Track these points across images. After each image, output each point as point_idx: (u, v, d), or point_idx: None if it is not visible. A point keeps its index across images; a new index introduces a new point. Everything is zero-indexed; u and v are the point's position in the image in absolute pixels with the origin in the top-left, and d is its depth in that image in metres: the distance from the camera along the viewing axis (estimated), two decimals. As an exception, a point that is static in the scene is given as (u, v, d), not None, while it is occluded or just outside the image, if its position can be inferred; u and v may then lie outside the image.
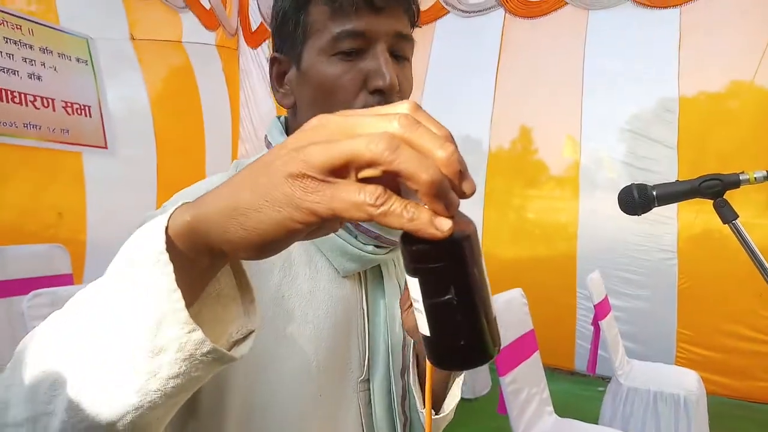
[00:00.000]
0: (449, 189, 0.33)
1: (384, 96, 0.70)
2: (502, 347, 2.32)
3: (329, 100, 0.71)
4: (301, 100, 0.76)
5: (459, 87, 4.45)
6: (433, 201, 0.33)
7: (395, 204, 0.33)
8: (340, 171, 0.33)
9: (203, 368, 0.40)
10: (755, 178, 0.93)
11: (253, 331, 0.45)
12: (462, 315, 0.35)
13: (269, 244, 0.36)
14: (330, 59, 0.70)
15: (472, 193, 0.35)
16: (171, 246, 0.38)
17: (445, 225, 0.33)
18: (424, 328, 0.36)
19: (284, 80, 0.78)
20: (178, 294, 0.37)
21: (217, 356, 0.40)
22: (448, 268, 0.34)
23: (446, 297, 0.34)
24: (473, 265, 0.35)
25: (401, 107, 0.36)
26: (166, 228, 0.38)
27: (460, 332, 0.35)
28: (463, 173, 0.34)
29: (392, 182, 0.34)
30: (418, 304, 0.36)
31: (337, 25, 0.69)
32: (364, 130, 0.34)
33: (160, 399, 0.40)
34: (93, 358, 0.40)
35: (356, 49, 0.70)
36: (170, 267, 0.37)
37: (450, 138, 0.35)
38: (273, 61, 0.78)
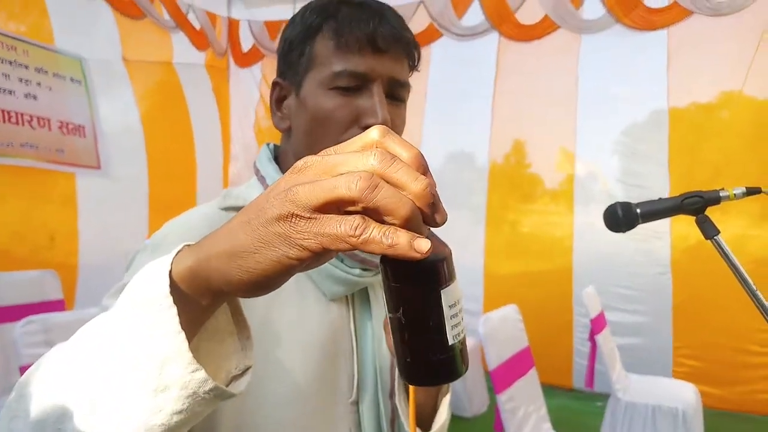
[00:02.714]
0: (420, 219, 0.36)
1: None
2: (498, 364, 2.31)
3: (321, 131, 0.74)
4: (296, 126, 0.79)
5: (457, 108, 4.49)
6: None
7: (374, 232, 0.34)
8: (325, 208, 0.35)
9: (205, 404, 0.42)
10: (735, 194, 0.95)
11: (250, 367, 0.48)
12: (434, 332, 0.37)
13: (268, 282, 0.39)
14: (327, 92, 0.74)
15: (443, 222, 0.37)
16: (174, 288, 0.41)
17: (424, 246, 0.34)
18: (396, 343, 0.38)
19: (283, 105, 0.81)
20: (182, 336, 0.40)
21: (218, 393, 0.42)
22: (419, 288, 0.36)
23: (417, 314, 0.37)
24: (444, 286, 0.37)
25: (372, 133, 0.38)
26: (170, 271, 0.41)
27: (425, 348, 0.37)
28: (435, 204, 0.36)
29: None
30: (394, 321, 0.38)
31: (339, 62, 0.73)
32: (344, 168, 0.36)
33: None
34: (99, 393, 0.41)
35: (353, 87, 0.73)
36: (174, 310, 0.40)
37: (421, 160, 0.37)
38: (275, 85, 0.81)
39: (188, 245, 0.44)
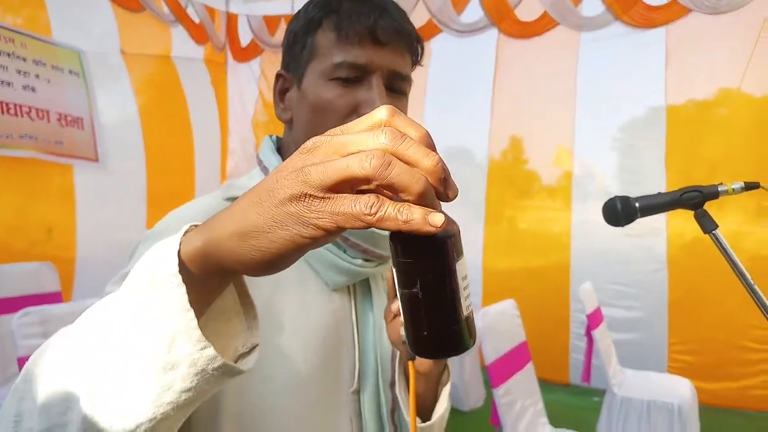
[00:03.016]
0: (434, 195, 0.36)
1: None
2: (495, 358, 2.32)
3: (321, 121, 0.75)
4: (297, 117, 0.80)
5: (456, 104, 4.48)
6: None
7: (389, 209, 0.35)
8: (338, 187, 0.36)
9: (213, 381, 0.43)
10: (733, 189, 0.96)
11: (257, 345, 0.49)
12: (450, 304, 0.38)
13: (280, 261, 0.39)
14: (327, 83, 0.75)
15: (455, 197, 0.38)
16: (183, 268, 0.41)
17: (438, 220, 0.35)
18: (410, 319, 0.39)
19: (286, 96, 0.82)
20: (191, 313, 0.40)
21: (227, 370, 0.43)
22: (434, 262, 0.37)
23: (433, 287, 0.38)
24: (456, 260, 0.38)
25: (380, 113, 0.39)
26: (178, 251, 0.42)
27: (441, 320, 0.38)
28: (446, 179, 0.37)
29: None
30: (410, 297, 0.39)
31: (339, 53, 0.74)
32: (355, 147, 0.37)
33: (172, 410, 0.42)
34: (107, 372, 0.42)
35: (353, 78, 0.74)
36: (183, 288, 0.40)
37: (429, 139, 0.38)
38: (278, 77, 0.83)
39: (194, 226, 0.44)
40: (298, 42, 0.78)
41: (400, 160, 0.36)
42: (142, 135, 4.42)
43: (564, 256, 4.19)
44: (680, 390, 2.88)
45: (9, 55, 3.55)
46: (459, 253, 0.38)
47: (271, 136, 0.88)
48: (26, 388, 0.46)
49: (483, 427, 3.00)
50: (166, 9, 4.66)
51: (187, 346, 0.40)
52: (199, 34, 4.97)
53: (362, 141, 0.37)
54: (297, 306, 0.75)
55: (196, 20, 4.93)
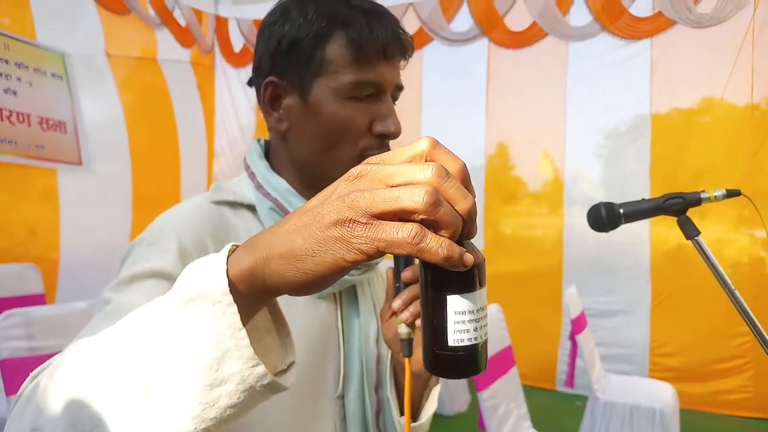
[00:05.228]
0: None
1: (386, 140, 0.77)
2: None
3: (337, 138, 0.75)
4: (300, 130, 0.78)
5: (450, 112, 4.54)
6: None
7: (431, 242, 0.37)
8: (383, 216, 0.38)
9: (258, 398, 0.44)
10: (715, 196, 0.98)
11: (294, 362, 0.50)
12: (470, 330, 0.41)
13: (323, 282, 0.41)
14: (343, 101, 0.74)
15: (474, 236, 0.41)
16: (232, 287, 0.42)
17: (469, 261, 0.38)
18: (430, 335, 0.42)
19: (280, 105, 0.79)
20: (244, 332, 0.41)
21: (273, 387, 0.44)
22: (460, 291, 0.40)
23: (458, 313, 0.41)
24: (479, 290, 0.41)
25: (422, 144, 0.40)
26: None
27: (465, 346, 0.41)
28: (474, 220, 0.40)
29: None
30: (430, 319, 0.42)
31: (357, 72, 0.74)
32: (400, 179, 0.38)
33: (213, 426, 0.43)
34: (143, 387, 0.42)
35: (368, 94, 0.75)
36: (235, 307, 0.41)
37: (466, 173, 0.40)
38: (268, 84, 0.79)
39: (235, 245, 0.45)
40: (300, 51, 0.75)
41: (442, 195, 0.37)
42: (127, 138, 4.37)
43: (549, 262, 4.22)
44: (662, 394, 2.91)
45: (-9, 57, 3.50)
46: (482, 283, 0.41)
47: (259, 140, 0.87)
48: (46, 401, 0.45)
49: (468, 431, 3.01)
50: (151, 12, 4.63)
51: (238, 364, 0.41)
52: (185, 36, 4.94)
53: (409, 173, 0.38)
54: (283, 312, 0.75)
55: (183, 23, 4.90)
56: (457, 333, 0.40)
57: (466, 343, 0.41)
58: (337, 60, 0.74)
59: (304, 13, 0.75)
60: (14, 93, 3.63)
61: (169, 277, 0.67)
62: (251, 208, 0.81)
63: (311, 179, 0.81)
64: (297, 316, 0.76)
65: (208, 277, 0.42)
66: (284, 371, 0.49)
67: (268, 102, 0.80)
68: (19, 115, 3.64)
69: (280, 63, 0.77)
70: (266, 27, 0.79)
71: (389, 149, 0.76)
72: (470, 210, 0.38)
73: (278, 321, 0.51)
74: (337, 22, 0.74)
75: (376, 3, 0.78)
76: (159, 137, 4.78)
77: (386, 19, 0.76)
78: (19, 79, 3.67)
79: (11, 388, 1.66)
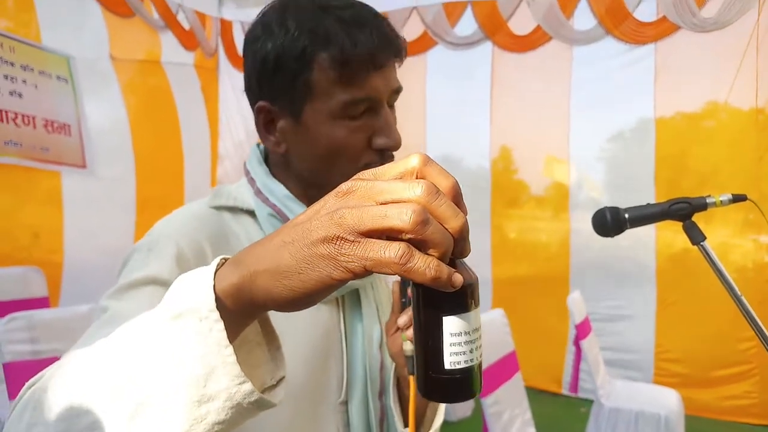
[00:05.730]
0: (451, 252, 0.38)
1: (387, 152, 0.75)
2: (483, 368, 2.32)
3: (335, 158, 0.73)
4: (298, 151, 0.77)
5: (456, 115, 4.52)
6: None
7: (418, 262, 0.36)
8: (371, 234, 0.37)
9: (246, 414, 0.43)
10: (721, 201, 0.97)
11: (284, 377, 0.49)
12: (460, 353, 0.40)
13: (310, 299, 0.40)
14: (336, 122, 0.72)
15: (467, 255, 0.40)
16: (219, 303, 0.41)
17: (458, 281, 0.37)
18: (423, 359, 0.41)
19: (275, 128, 0.77)
20: (230, 349, 0.40)
21: (261, 404, 0.43)
22: (451, 312, 0.39)
23: (450, 336, 0.39)
24: (471, 311, 0.40)
25: (413, 161, 0.39)
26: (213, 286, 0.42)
27: (457, 369, 0.40)
28: (466, 238, 0.39)
29: None
30: (422, 341, 0.41)
31: (347, 92, 0.71)
32: (389, 197, 0.37)
33: None
34: (133, 401, 0.41)
35: (362, 110, 0.73)
36: (221, 324, 0.40)
37: (457, 189, 0.39)
38: (260, 111, 0.77)
39: (224, 258, 0.44)
40: (283, 73, 0.72)
41: (432, 214, 0.37)
42: (131, 141, 4.38)
43: (560, 266, 4.21)
44: (667, 401, 2.89)
45: (-4, 59, 3.52)
46: (476, 303, 0.40)
47: (258, 145, 0.86)
48: (37, 415, 0.45)
49: (472, 437, 2.99)
50: (156, 15, 4.64)
51: (225, 381, 0.41)
52: (188, 39, 4.95)
53: (398, 191, 0.37)
54: (285, 317, 0.75)
55: (186, 26, 4.92)
56: (454, 355, 0.40)
57: (462, 365, 0.40)
58: (324, 82, 0.71)
59: (285, 28, 0.71)
60: (19, 95, 3.64)
61: (166, 284, 0.67)
62: (251, 213, 0.81)
63: (312, 189, 0.79)
64: (299, 320, 0.75)
65: (196, 292, 0.41)
66: (273, 387, 0.48)
67: (263, 127, 0.78)
68: (25, 117, 3.65)
69: (268, 86, 0.75)
70: (249, 44, 0.76)
71: (393, 160, 0.75)
72: (461, 228, 0.37)
73: (268, 334, 0.50)
74: (318, 41, 0.70)
75: (359, 4, 0.74)
76: (163, 140, 4.79)
77: (370, 24, 0.71)
78: (24, 81, 3.68)
79: (14, 391, 1.66)
